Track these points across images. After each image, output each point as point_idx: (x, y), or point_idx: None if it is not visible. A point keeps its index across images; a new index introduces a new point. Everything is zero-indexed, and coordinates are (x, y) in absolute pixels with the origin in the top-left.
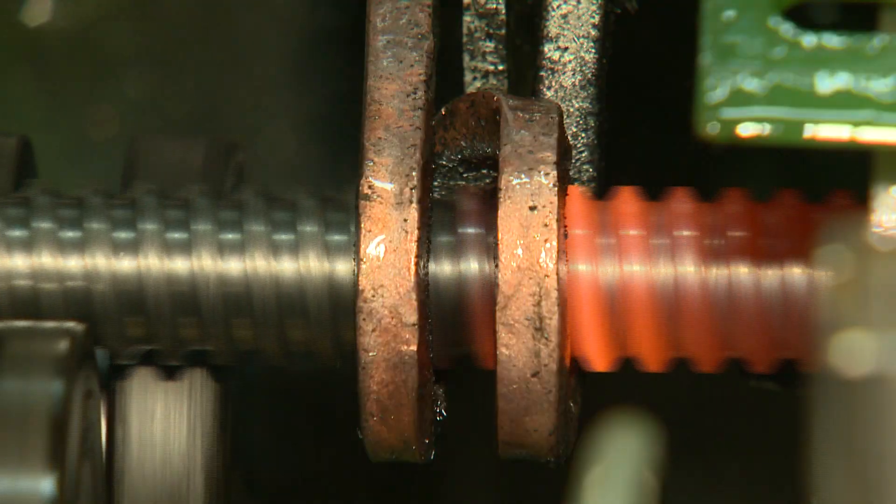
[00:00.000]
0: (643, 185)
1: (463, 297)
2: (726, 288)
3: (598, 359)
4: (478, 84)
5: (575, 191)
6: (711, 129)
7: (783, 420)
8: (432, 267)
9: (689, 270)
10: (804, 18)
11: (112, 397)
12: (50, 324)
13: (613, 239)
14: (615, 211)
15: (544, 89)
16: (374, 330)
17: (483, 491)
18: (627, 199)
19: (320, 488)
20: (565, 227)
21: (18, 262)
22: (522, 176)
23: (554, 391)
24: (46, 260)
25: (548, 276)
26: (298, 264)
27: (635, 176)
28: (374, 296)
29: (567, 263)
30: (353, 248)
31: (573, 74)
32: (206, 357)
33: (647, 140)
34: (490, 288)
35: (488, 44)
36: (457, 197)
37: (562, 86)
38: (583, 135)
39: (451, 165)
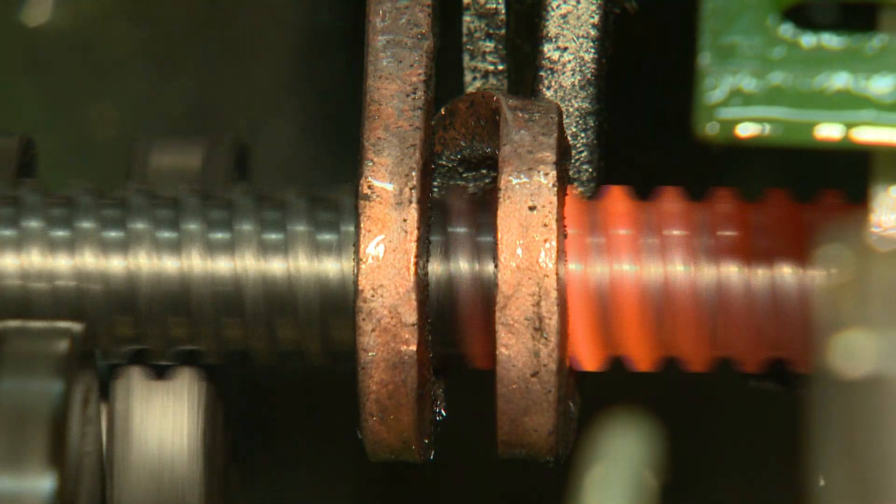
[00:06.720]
0: (642, 186)
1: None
2: (716, 287)
3: (589, 358)
4: (477, 84)
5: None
6: (711, 129)
7: (783, 420)
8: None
9: (678, 270)
10: (804, 18)
11: (111, 397)
12: (49, 323)
13: (603, 239)
14: (604, 210)
15: (544, 89)
16: (373, 330)
17: (483, 491)
18: (617, 199)
19: (319, 487)
20: (564, 226)
21: (8, 262)
22: (522, 176)
23: (553, 391)
24: (36, 259)
25: (547, 276)
26: (288, 263)
27: (634, 176)
28: (373, 296)
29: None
30: (343, 247)
31: (572, 74)
32: (197, 357)
33: (646, 140)
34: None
35: (488, 44)
36: (456, 197)
37: (561, 86)
38: (582, 135)
39: (450, 165)
